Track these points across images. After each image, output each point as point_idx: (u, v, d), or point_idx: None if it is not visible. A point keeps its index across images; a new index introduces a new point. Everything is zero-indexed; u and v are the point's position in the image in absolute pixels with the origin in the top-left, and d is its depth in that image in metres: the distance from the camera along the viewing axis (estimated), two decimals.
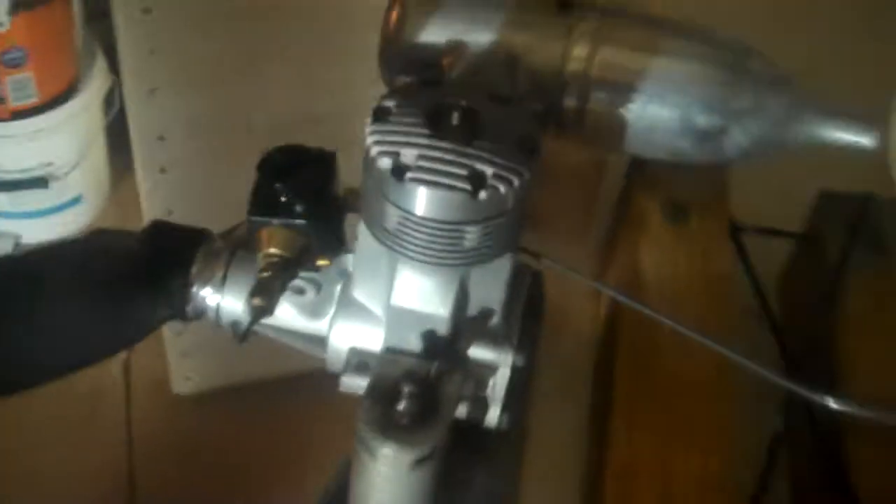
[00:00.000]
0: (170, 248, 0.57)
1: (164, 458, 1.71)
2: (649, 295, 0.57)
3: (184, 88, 1.39)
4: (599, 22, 0.58)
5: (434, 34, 0.59)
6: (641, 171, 0.62)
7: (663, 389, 0.54)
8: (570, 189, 0.51)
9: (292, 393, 1.73)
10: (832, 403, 0.49)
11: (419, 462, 0.52)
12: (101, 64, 1.78)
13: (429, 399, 0.51)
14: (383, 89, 1.47)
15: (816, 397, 0.48)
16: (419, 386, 0.51)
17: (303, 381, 1.70)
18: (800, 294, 0.63)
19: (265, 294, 0.52)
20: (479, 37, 0.58)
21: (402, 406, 0.51)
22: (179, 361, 1.72)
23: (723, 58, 0.58)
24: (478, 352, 0.53)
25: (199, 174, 1.49)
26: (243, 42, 1.38)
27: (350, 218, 0.56)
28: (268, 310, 0.52)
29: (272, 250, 0.52)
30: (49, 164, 1.82)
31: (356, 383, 0.54)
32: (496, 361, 0.53)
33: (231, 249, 0.57)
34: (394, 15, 0.60)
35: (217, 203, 1.51)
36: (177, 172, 1.47)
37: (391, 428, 0.51)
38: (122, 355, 1.79)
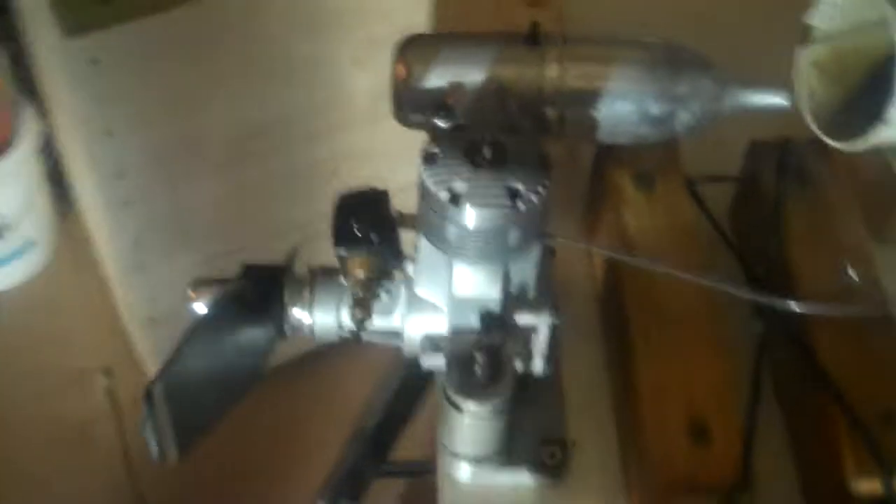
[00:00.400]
0: (261, 282, 0.71)
1: (166, 469, 1.82)
2: (637, 250, 0.74)
3: (139, 127, 1.49)
4: (562, 47, 0.74)
5: (436, 79, 0.74)
6: (610, 155, 0.78)
7: (669, 321, 0.69)
8: (556, 174, 0.66)
9: (278, 384, 1.86)
10: (794, 307, 0.66)
11: (497, 412, 0.68)
12: (30, 110, 1.86)
13: (496, 362, 0.67)
14: (313, 96, 1.62)
15: (781, 303, 0.66)
16: (488, 354, 0.66)
17: (284, 372, 1.84)
18: (746, 227, 0.80)
19: (364, 307, 0.67)
20: (472, 76, 0.73)
21: (477, 371, 0.66)
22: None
23: (661, 56, 0.74)
24: (522, 318, 0.69)
25: (161, 203, 1.60)
26: (188, 75, 1.49)
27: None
28: (368, 318, 0.67)
29: (359, 273, 0.67)
30: (1, 216, 1.90)
31: (434, 361, 0.69)
32: (537, 324, 0.69)
33: (311, 276, 0.71)
34: (400, 68, 0.75)
35: (182, 227, 1.63)
36: (140, 205, 1.58)
37: (473, 389, 0.66)
38: (104, 383, 1.89)
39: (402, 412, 1.28)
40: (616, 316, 0.73)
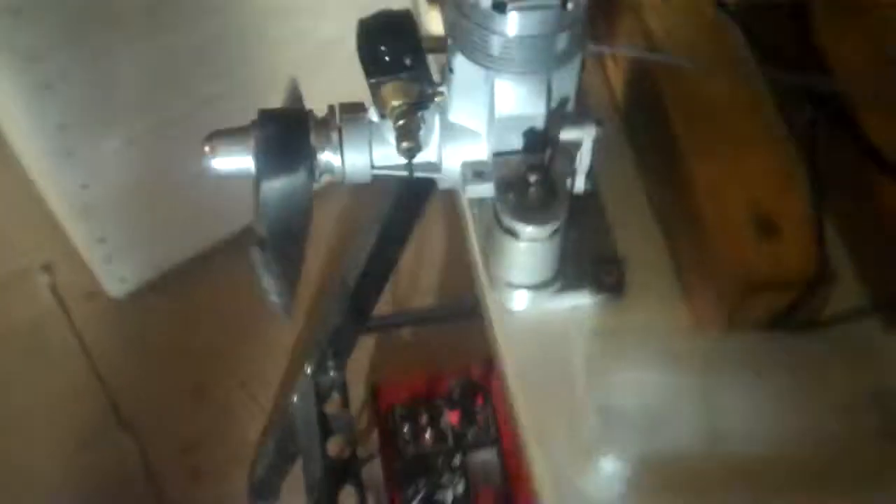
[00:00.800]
0: (284, 129, 0.65)
1: (127, 358, 1.77)
2: (665, 51, 0.71)
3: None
4: None
5: None
6: None
7: (715, 116, 0.67)
8: None
9: (222, 262, 1.81)
10: (842, 85, 0.64)
11: (553, 233, 0.65)
12: None
13: (549, 181, 0.63)
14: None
15: (833, 84, 0.64)
16: (540, 173, 0.63)
17: (224, 252, 1.79)
18: (764, 22, 0.76)
19: (410, 136, 0.62)
20: None
21: (532, 192, 0.63)
22: (106, 268, 1.77)
23: None
24: (566, 134, 0.65)
25: (82, 83, 1.51)
26: None
27: None
28: (417, 147, 0.62)
29: (397, 102, 0.62)
30: None
31: (479, 188, 0.66)
32: (581, 137, 0.65)
33: (336, 115, 0.66)
34: None
35: (107, 107, 1.55)
36: (61, 87, 1.49)
37: (529, 211, 0.63)
38: (46, 280, 1.82)
39: (383, 264, 1.24)
40: (654, 120, 0.70)
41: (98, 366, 1.74)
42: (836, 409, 0.63)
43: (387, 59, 0.62)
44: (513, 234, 0.64)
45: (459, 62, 0.62)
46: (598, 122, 0.66)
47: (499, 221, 0.65)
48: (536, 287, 0.69)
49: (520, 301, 0.69)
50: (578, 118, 0.65)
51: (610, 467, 0.63)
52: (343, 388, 1.40)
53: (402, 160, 0.65)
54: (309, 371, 1.39)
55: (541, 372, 0.67)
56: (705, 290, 0.66)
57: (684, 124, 0.67)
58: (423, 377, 1.45)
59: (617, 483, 0.63)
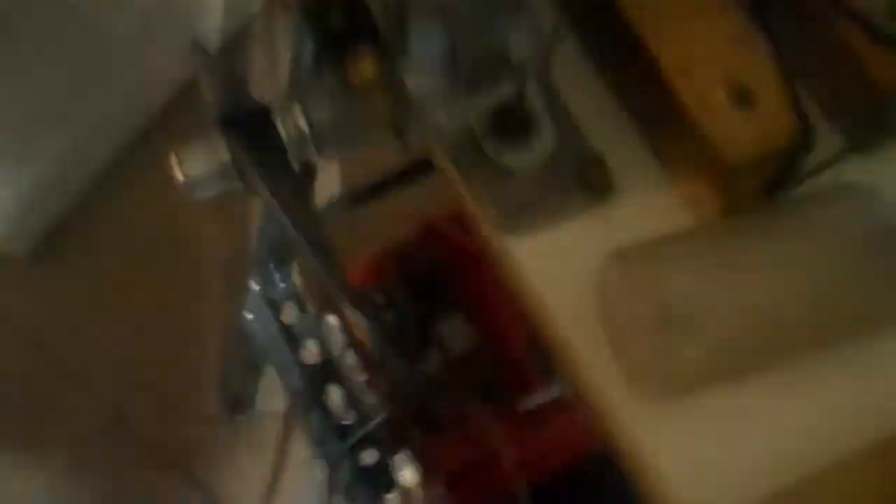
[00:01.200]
0: (256, 142, 0.62)
1: (57, 313, 1.72)
2: None
3: None
4: None
5: None
6: None
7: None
8: None
9: (121, 191, 1.74)
10: None
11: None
12: None
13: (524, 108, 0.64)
14: None
15: None
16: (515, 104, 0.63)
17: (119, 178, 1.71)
18: None
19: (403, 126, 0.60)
20: None
21: (512, 124, 0.64)
22: (7, 227, 1.70)
23: None
24: (523, 50, 0.63)
25: None
26: None
27: None
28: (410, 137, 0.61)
29: (369, 71, 0.59)
30: None
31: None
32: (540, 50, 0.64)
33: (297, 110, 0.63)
34: None
35: None
36: None
37: (515, 142, 0.65)
38: None
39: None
40: (603, 11, 0.69)
41: (31, 331, 1.69)
42: (843, 249, 0.66)
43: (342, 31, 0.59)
44: (506, 168, 0.65)
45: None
46: (555, 29, 0.65)
47: (486, 160, 0.65)
48: (524, 209, 0.69)
49: (512, 227, 0.69)
50: (530, 31, 0.64)
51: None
52: (296, 296, 1.40)
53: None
54: (256, 288, 1.38)
55: (559, 291, 0.68)
56: (695, 173, 0.67)
57: (636, 10, 0.66)
58: (376, 256, 1.44)
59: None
